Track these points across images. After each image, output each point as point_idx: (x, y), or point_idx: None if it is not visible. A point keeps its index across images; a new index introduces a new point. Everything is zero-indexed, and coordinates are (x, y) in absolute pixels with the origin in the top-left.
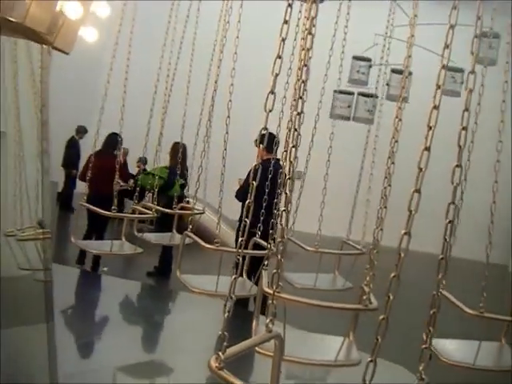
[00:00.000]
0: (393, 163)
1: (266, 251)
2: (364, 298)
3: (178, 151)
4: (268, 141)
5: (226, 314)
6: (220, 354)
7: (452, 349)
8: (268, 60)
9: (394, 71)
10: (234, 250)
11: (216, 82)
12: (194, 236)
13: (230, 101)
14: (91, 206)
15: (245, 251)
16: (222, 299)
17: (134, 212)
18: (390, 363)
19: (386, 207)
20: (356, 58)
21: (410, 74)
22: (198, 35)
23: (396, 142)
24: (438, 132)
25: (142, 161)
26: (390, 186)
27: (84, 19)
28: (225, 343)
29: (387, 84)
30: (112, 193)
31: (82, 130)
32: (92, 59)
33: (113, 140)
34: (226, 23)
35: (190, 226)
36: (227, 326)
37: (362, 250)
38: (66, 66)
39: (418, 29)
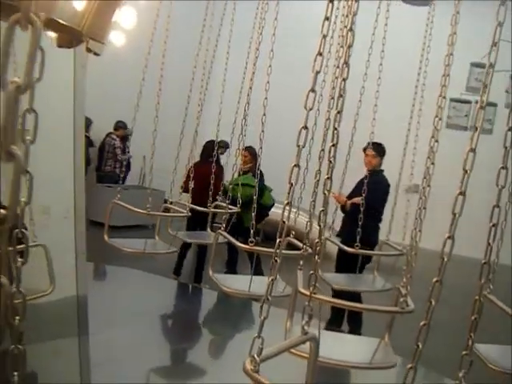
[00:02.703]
0: (432, 163)
1: (300, 251)
2: (401, 300)
3: (256, 156)
4: (383, 152)
5: (263, 317)
6: (255, 356)
7: (498, 355)
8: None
9: None
10: (267, 249)
11: (251, 80)
12: (227, 235)
13: (266, 98)
14: (124, 204)
15: (286, 252)
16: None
17: (167, 211)
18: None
19: (425, 208)
20: (474, 64)
21: None
22: (234, 34)
23: (436, 141)
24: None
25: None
26: (429, 186)
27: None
28: (260, 346)
29: (506, 91)
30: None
31: (223, 145)
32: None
33: (209, 148)
34: (261, 20)
35: (224, 225)
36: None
37: (403, 250)
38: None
39: None
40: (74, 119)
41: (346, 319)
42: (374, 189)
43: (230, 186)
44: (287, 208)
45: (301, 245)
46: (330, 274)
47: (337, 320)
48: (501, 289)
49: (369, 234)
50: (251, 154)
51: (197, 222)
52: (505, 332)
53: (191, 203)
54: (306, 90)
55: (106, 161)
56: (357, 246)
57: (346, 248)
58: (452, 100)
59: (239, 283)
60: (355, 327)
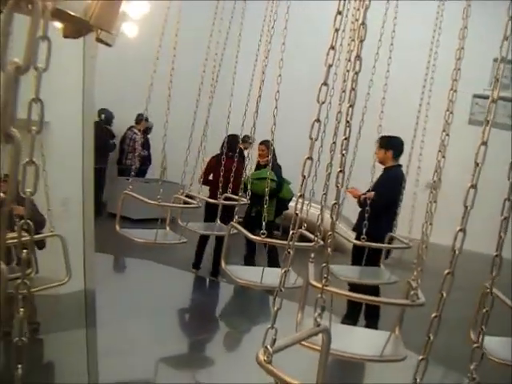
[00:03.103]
0: (443, 157)
1: (312, 244)
2: (411, 293)
3: (270, 149)
4: (398, 147)
5: (276, 308)
6: (268, 347)
7: (500, 347)
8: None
9: None
10: (278, 241)
11: (264, 73)
12: (239, 227)
13: (278, 91)
14: (134, 194)
15: (296, 244)
16: None
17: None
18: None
19: (435, 201)
20: (497, 60)
21: None
22: (244, 26)
23: (447, 135)
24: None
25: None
26: (440, 179)
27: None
28: (273, 337)
29: None
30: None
31: (248, 140)
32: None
33: (230, 141)
34: (273, 14)
35: (236, 217)
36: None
37: (409, 244)
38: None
39: None
40: (82, 111)
41: (362, 315)
42: (381, 184)
43: (245, 180)
44: (300, 200)
45: (313, 237)
46: (336, 265)
47: (353, 315)
48: (500, 282)
49: (379, 229)
50: (268, 148)
51: (215, 214)
52: (506, 324)
53: (210, 196)
54: (315, 83)
55: (126, 154)
56: (363, 238)
57: (352, 240)
58: (475, 96)
59: (251, 274)
60: (372, 322)
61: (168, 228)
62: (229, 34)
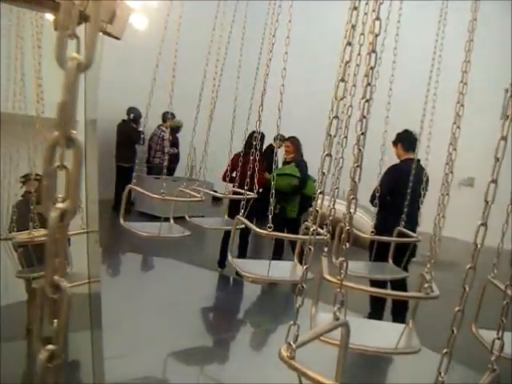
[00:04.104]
0: (454, 149)
1: (326, 237)
2: (425, 286)
3: (298, 146)
4: (407, 140)
5: (298, 305)
6: (291, 343)
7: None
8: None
9: None
10: (285, 235)
11: (268, 67)
12: (246, 221)
13: (283, 85)
14: (139, 189)
15: (301, 237)
16: None
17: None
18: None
19: (448, 194)
20: None
21: None
22: (247, 23)
23: (458, 127)
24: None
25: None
26: (451, 172)
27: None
28: (296, 333)
29: None
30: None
31: (280, 138)
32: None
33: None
34: (276, 7)
35: (242, 211)
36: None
37: (418, 237)
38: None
39: None
40: (84, 106)
41: (387, 315)
42: (382, 177)
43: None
44: (320, 197)
45: (323, 231)
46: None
47: (376, 313)
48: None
49: (385, 222)
50: (293, 144)
51: (237, 211)
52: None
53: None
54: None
55: (155, 152)
56: (372, 232)
57: (360, 234)
58: (507, 91)
59: (258, 268)
60: (399, 320)
61: (172, 221)
62: (233, 27)
